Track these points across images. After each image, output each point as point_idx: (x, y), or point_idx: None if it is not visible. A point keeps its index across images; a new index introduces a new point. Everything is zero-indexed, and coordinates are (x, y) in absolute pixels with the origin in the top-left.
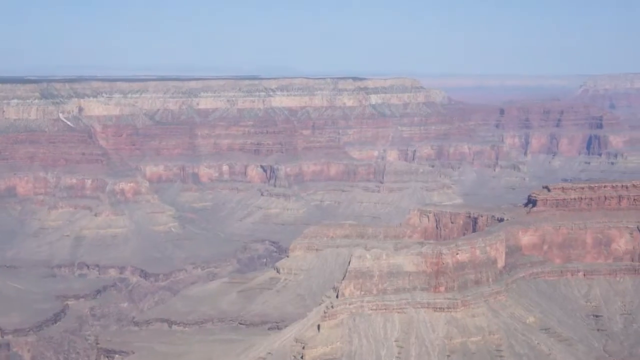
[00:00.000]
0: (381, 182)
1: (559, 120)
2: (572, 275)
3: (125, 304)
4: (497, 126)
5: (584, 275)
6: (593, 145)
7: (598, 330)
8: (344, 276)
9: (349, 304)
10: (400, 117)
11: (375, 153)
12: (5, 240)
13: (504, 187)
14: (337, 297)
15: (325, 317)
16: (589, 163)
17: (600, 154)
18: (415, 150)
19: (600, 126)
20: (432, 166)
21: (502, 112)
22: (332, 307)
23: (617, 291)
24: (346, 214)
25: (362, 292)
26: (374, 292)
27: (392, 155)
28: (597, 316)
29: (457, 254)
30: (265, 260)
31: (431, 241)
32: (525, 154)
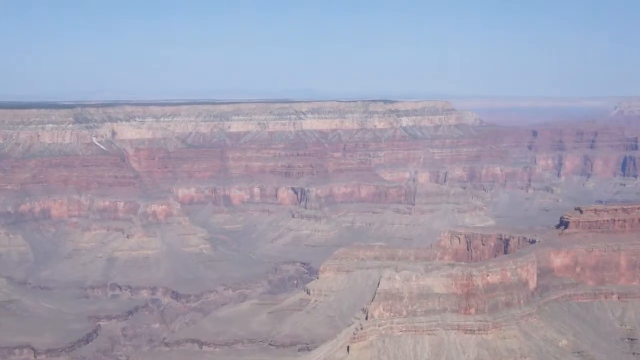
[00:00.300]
0: (412, 204)
1: (593, 141)
2: (605, 297)
3: (157, 325)
4: (529, 148)
5: (618, 297)
6: (628, 166)
7: (633, 354)
8: (373, 297)
9: (378, 326)
10: (431, 139)
11: (407, 175)
12: (40, 261)
13: (537, 209)
14: (366, 318)
15: (354, 338)
16: (624, 185)
17: (635, 176)
18: (446, 172)
19: (635, 147)
20: (464, 188)
21: (534, 133)
22: (361, 328)
23: None
24: (377, 235)
25: (392, 314)
26: (404, 313)
27: (423, 177)
28: (632, 339)
29: (487, 275)
30: (296, 281)
31: (462, 263)
32: (559, 175)
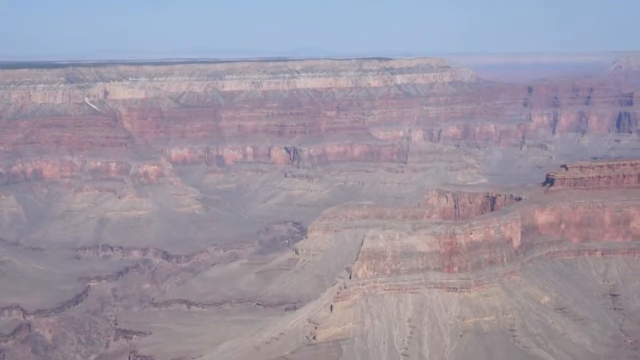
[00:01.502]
0: (405, 163)
1: (589, 97)
2: (589, 254)
3: (147, 285)
4: (525, 105)
5: (602, 254)
6: (623, 122)
7: (615, 309)
8: (357, 257)
9: (362, 285)
10: (426, 97)
11: (401, 133)
12: (32, 222)
13: (530, 167)
14: (350, 277)
15: (338, 297)
16: (618, 141)
17: (630, 132)
18: (440, 130)
19: (630, 103)
20: (458, 146)
21: (530, 90)
22: (345, 287)
23: (635, 270)
24: (369, 194)
25: (375, 273)
26: (387, 272)
27: (417, 136)
28: (614, 295)
29: (470, 233)
30: (287, 241)
31: (449, 221)
32: (554, 132)
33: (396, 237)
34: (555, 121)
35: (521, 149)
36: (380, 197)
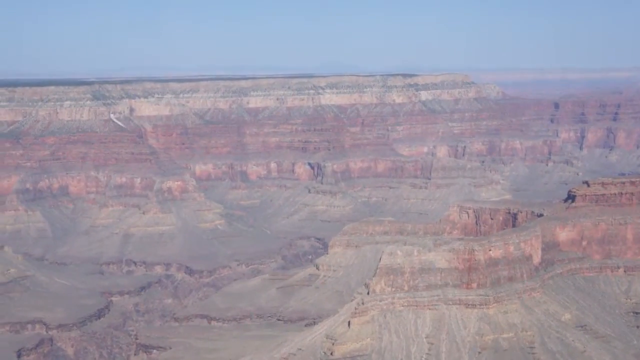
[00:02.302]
0: (428, 179)
1: (616, 113)
2: (612, 271)
3: (170, 300)
4: (552, 121)
5: (625, 271)
6: None
7: (638, 327)
8: (375, 273)
9: (380, 301)
10: (450, 113)
11: (425, 149)
12: (58, 238)
13: (556, 183)
14: (368, 293)
15: (355, 313)
16: None
17: None
18: (465, 146)
19: None
20: (482, 162)
21: (557, 106)
22: (362, 303)
23: None
24: (393, 210)
25: (393, 289)
26: (405, 288)
27: (441, 152)
28: (637, 313)
29: (489, 250)
30: (310, 257)
31: (470, 238)
32: (581, 148)
33: (414, 254)
34: (583, 137)
35: (547, 165)
36: (403, 213)
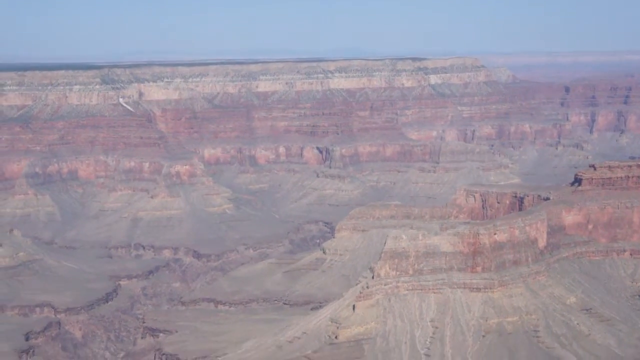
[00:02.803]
0: (437, 163)
1: (627, 97)
2: (617, 254)
3: (177, 284)
4: (562, 104)
5: (631, 254)
6: None
7: None
8: (380, 257)
9: (384, 285)
10: (460, 96)
11: (434, 133)
12: (67, 222)
13: (565, 166)
14: (372, 277)
15: (360, 297)
16: None
17: None
18: (474, 130)
19: None
20: (492, 146)
21: (567, 89)
22: (367, 287)
23: None
24: (401, 194)
25: (398, 273)
26: (410, 272)
27: (450, 136)
28: None
29: (494, 234)
30: (318, 241)
31: (476, 222)
32: (592, 132)
33: (419, 237)
34: (593, 121)
35: (557, 148)
36: (411, 197)
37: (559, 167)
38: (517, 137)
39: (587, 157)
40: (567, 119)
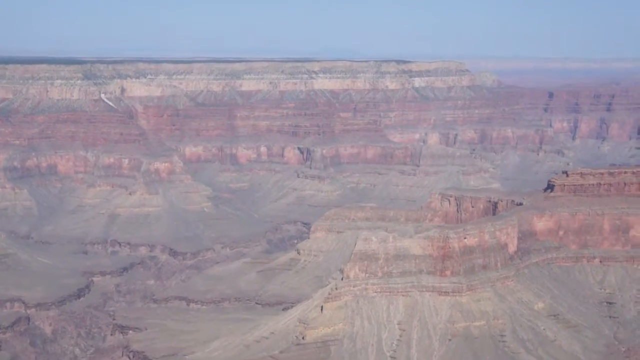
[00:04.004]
0: (417, 166)
1: (610, 104)
2: (587, 261)
3: (152, 282)
4: (545, 110)
5: (600, 261)
6: None
7: (610, 317)
8: (349, 258)
9: (353, 286)
10: (443, 100)
11: (417, 136)
12: (44, 216)
13: (547, 172)
14: (342, 279)
15: (328, 298)
16: (639, 148)
17: None
18: (457, 134)
19: None
20: (473, 150)
21: (551, 95)
22: (336, 288)
23: (633, 278)
24: (381, 196)
25: (367, 275)
26: (379, 274)
27: (433, 139)
28: (610, 303)
29: (464, 238)
30: (295, 241)
31: (449, 225)
32: (574, 138)
33: (389, 240)
34: (576, 127)
35: (538, 154)
36: (391, 199)
37: (540, 172)
38: (499, 142)
39: (568, 164)
40: (551, 125)
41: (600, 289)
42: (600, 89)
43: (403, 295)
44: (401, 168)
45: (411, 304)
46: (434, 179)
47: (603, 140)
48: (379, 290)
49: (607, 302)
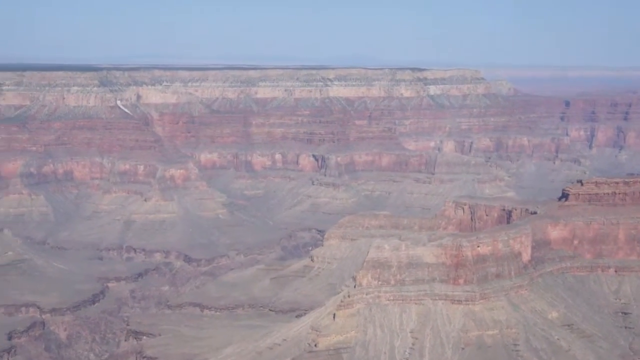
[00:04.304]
0: (432, 174)
1: (627, 113)
2: (602, 271)
3: (166, 288)
4: (562, 119)
5: (616, 271)
6: None
7: (625, 327)
8: (362, 266)
9: (366, 294)
10: (459, 108)
11: (432, 144)
12: (60, 222)
13: (563, 181)
14: (354, 286)
15: (341, 306)
16: None
17: None
18: (472, 142)
19: None
20: (489, 158)
21: (567, 104)
22: (348, 296)
23: None
24: (396, 204)
25: (380, 283)
26: (392, 282)
27: (448, 147)
28: (625, 313)
29: (478, 246)
30: (310, 248)
31: (461, 234)
32: (591, 147)
33: (402, 248)
34: (593, 136)
35: (554, 163)
36: (406, 207)
37: (556, 181)
38: (515, 151)
39: (585, 172)
40: (567, 134)
41: (616, 299)
42: (617, 98)
43: (416, 304)
44: (416, 176)
45: (424, 312)
46: (449, 187)
47: (620, 149)
48: (392, 298)
49: (622, 313)
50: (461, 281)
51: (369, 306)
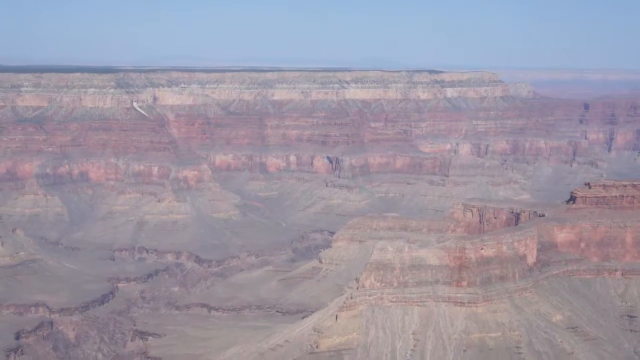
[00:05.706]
0: (446, 176)
1: None
2: (609, 274)
3: (177, 288)
4: (581, 121)
5: (622, 274)
6: None
7: (631, 331)
8: (365, 268)
9: (369, 295)
10: (476, 110)
11: (448, 147)
12: (75, 223)
13: (579, 184)
14: (357, 288)
15: (343, 307)
16: None
17: None
18: (488, 145)
19: None
20: (505, 161)
21: (586, 107)
22: (351, 297)
23: None
24: (409, 206)
25: (383, 284)
26: (395, 284)
27: (464, 149)
28: (631, 317)
29: (481, 249)
30: (321, 250)
31: (466, 236)
32: (610, 150)
33: (405, 250)
34: (612, 139)
35: (571, 166)
36: (420, 209)
37: (573, 184)
38: (531, 153)
39: (602, 175)
40: (586, 137)
41: (622, 302)
42: (637, 101)
43: (418, 305)
44: (430, 178)
45: (426, 314)
46: (463, 190)
47: (639, 153)
48: (395, 299)
49: (628, 316)
50: (464, 283)
51: (371, 308)
